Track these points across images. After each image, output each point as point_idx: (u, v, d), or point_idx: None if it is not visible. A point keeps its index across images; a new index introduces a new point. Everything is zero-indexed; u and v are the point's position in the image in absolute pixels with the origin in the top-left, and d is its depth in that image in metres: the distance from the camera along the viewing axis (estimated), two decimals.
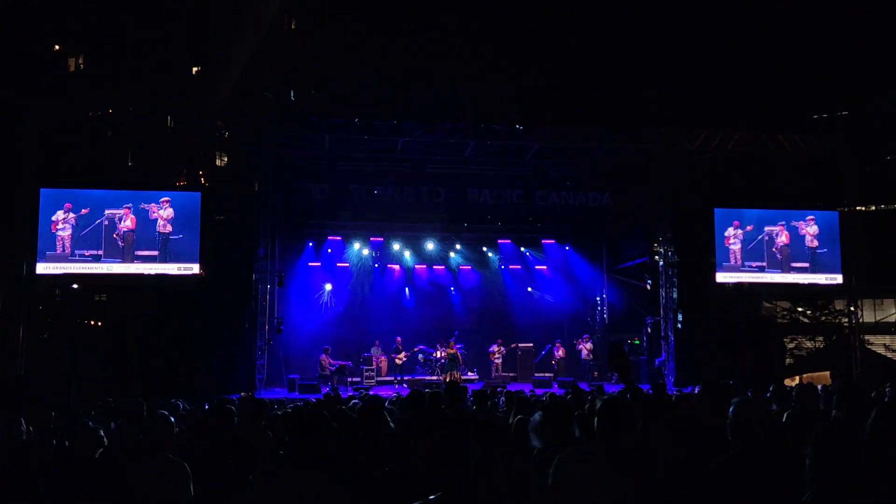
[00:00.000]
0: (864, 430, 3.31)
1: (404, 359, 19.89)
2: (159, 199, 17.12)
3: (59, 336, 20.01)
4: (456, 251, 21.73)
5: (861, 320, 21.41)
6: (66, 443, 5.30)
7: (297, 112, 32.93)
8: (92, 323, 23.26)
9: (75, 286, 20.83)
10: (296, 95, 39.61)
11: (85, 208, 16.69)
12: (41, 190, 16.60)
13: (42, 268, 16.44)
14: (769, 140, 19.70)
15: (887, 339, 28.75)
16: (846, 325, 22.06)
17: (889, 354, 27.18)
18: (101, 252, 16.73)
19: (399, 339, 20.10)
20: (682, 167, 19.71)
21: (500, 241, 21.80)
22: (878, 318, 29.46)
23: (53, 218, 16.51)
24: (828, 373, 20.39)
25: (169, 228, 17.03)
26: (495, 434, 4.13)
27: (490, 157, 19.35)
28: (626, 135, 19.11)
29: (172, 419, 4.57)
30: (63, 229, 16.54)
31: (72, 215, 16.60)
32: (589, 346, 20.12)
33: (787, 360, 25.03)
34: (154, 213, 17.01)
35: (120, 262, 16.82)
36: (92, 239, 16.71)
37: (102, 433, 4.90)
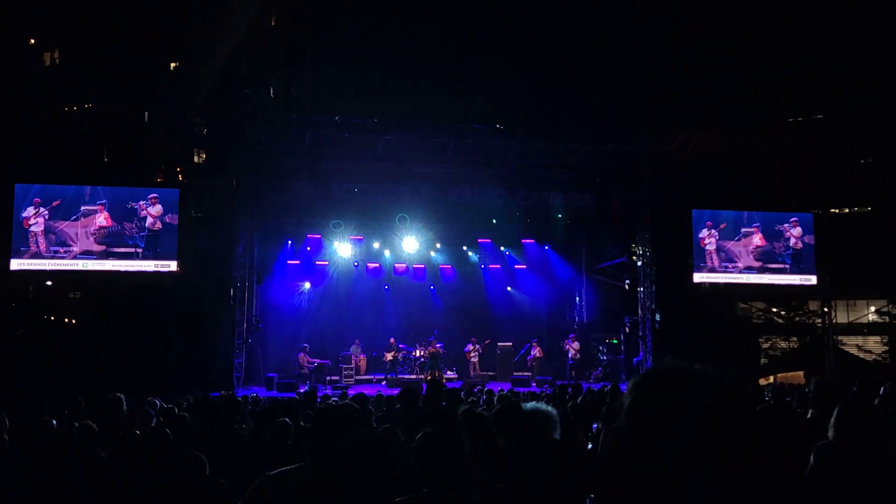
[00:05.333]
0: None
1: (391, 358, 19.76)
2: (147, 195, 16.99)
3: (33, 334, 19.73)
4: (436, 250, 21.69)
5: (834, 321, 21.75)
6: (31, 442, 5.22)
7: (276, 109, 32.67)
8: (66, 320, 22.98)
9: (49, 283, 20.55)
10: (275, 92, 39.35)
11: (55, 201, 16.44)
12: (15, 185, 16.35)
13: (16, 264, 16.19)
14: (746, 142, 19.94)
15: (860, 340, 29.20)
16: (820, 325, 22.40)
17: (861, 355, 27.61)
18: (76, 249, 16.51)
19: (392, 339, 20.03)
20: (661, 169, 19.88)
21: (480, 240, 21.79)
22: (850, 319, 29.91)
23: (24, 214, 16.24)
24: (801, 372, 20.69)
25: (159, 225, 16.88)
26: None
27: (471, 157, 19.41)
28: (607, 136, 19.26)
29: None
30: (35, 224, 16.28)
31: (43, 209, 16.34)
32: (576, 345, 20.19)
33: (762, 360, 25.37)
34: (143, 210, 16.87)
35: (95, 259, 16.61)
36: (66, 236, 16.48)
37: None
